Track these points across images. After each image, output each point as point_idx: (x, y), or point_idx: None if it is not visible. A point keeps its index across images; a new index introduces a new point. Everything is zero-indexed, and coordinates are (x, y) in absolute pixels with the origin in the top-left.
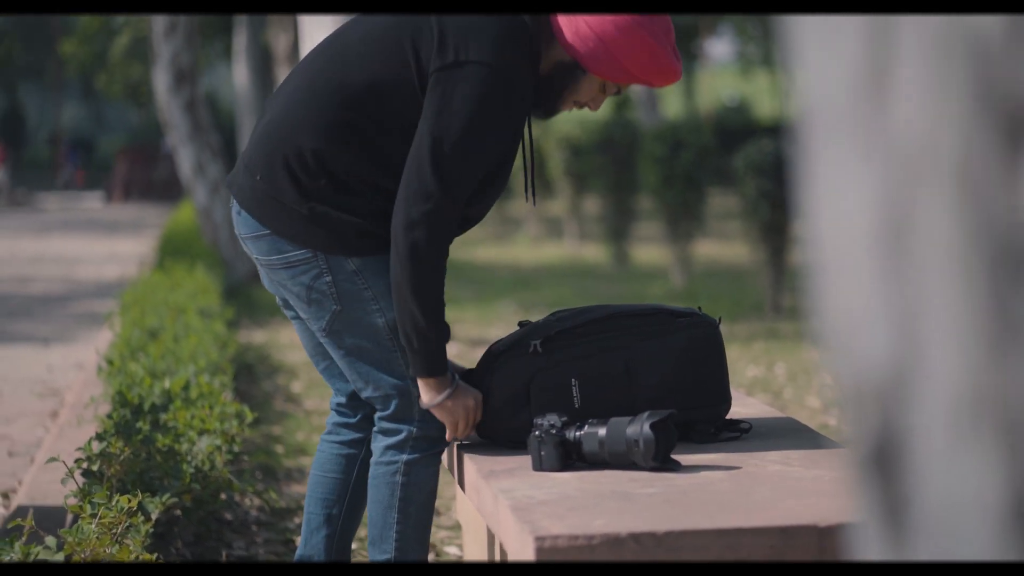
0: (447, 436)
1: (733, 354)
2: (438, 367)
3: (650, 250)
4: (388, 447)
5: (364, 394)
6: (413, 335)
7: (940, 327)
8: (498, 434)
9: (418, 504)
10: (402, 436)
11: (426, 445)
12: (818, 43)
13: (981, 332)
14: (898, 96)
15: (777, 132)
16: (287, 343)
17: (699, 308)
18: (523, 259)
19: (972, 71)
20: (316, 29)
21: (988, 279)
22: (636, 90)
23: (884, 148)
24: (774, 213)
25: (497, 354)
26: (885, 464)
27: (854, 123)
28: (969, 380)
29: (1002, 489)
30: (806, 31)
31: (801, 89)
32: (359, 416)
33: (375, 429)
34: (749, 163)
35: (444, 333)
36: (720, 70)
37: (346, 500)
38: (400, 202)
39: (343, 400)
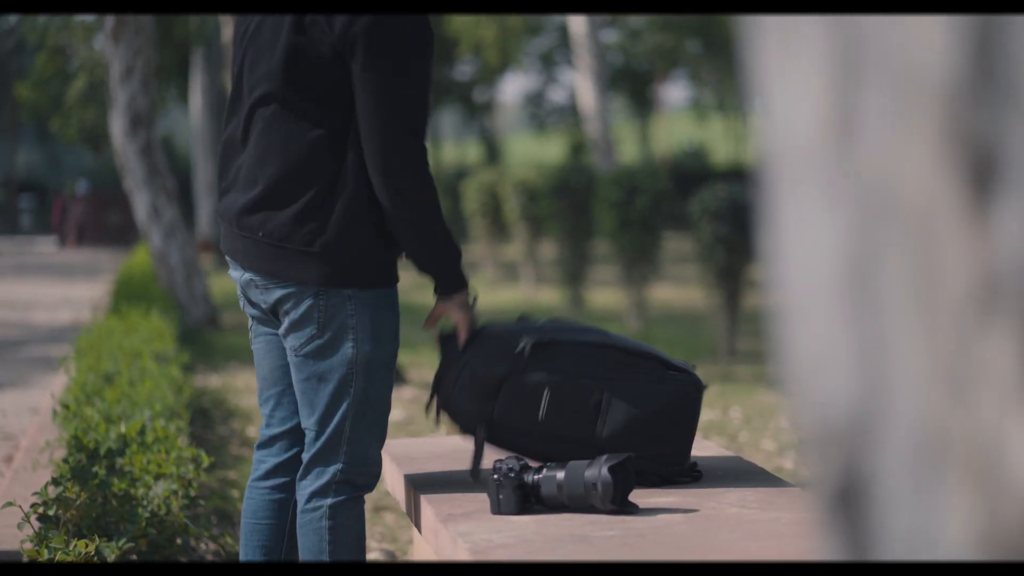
0: (461, 334)
1: None
2: (460, 283)
3: (606, 294)
4: (313, 493)
5: (306, 423)
6: (431, 265)
7: (904, 370)
8: (456, 413)
9: (347, 547)
10: (326, 479)
11: (350, 489)
12: (783, 86)
13: (945, 375)
14: (863, 139)
15: (732, 177)
16: (242, 387)
17: (694, 366)
18: (479, 302)
19: (938, 115)
20: None
21: (953, 322)
22: (593, 137)
23: (849, 191)
24: (730, 257)
25: (487, 336)
26: (850, 506)
27: (819, 166)
28: (933, 422)
29: (966, 531)
30: (771, 73)
31: (766, 132)
32: (290, 453)
33: (299, 475)
34: (705, 208)
35: (456, 253)
36: (675, 115)
37: (284, 545)
38: (372, 162)
39: (278, 431)
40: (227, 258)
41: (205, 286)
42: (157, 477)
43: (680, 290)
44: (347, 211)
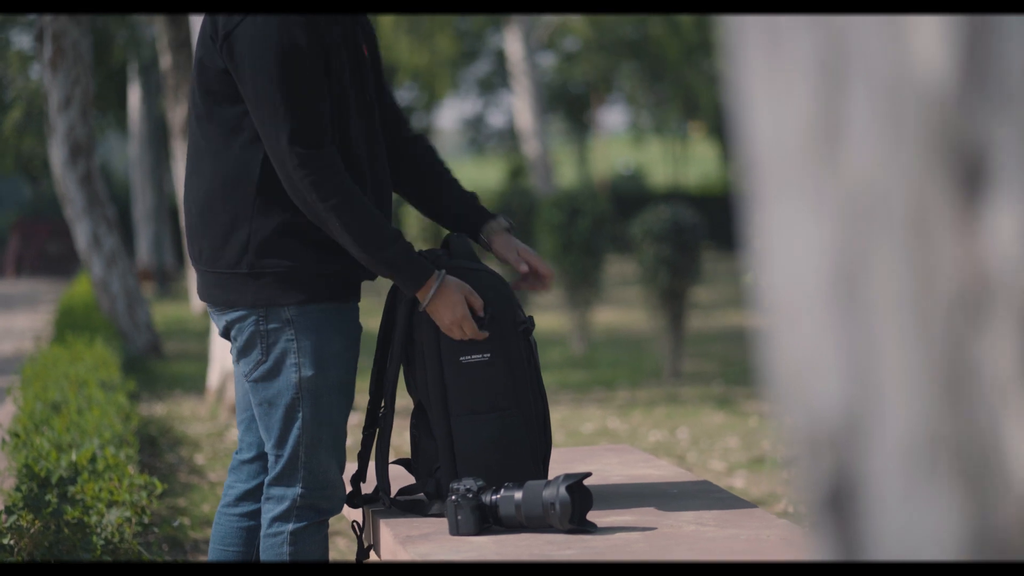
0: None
1: (635, 419)
2: (420, 273)
3: (549, 317)
4: (274, 518)
5: (266, 447)
6: (380, 264)
7: (894, 373)
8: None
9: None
10: (286, 505)
11: (311, 514)
12: (768, 91)
13: (935, 377)
14: (851, 143)
15: (671, 200)
16: (188, 415)
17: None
18: None
19: (925, 120)
20: None
21: (945, 325)
22: (532, 158)
23: (836, 197)
24: (673, 279)
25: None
26: (841, 510)
27: (806, 173)
28: (924, 424)
29: (958, 533)
30: (755, 79)
31: (750, 141)
32: (259, 480)
33: (263, 497)
34: (647, 230)
35: (400, 245)
36: (612, 139)
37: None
38: (282, 179)
39: (248, 457)
40: None
41: (148, 314)
42: (110, 505)
43: (623, 312)
44: (269, 225)
